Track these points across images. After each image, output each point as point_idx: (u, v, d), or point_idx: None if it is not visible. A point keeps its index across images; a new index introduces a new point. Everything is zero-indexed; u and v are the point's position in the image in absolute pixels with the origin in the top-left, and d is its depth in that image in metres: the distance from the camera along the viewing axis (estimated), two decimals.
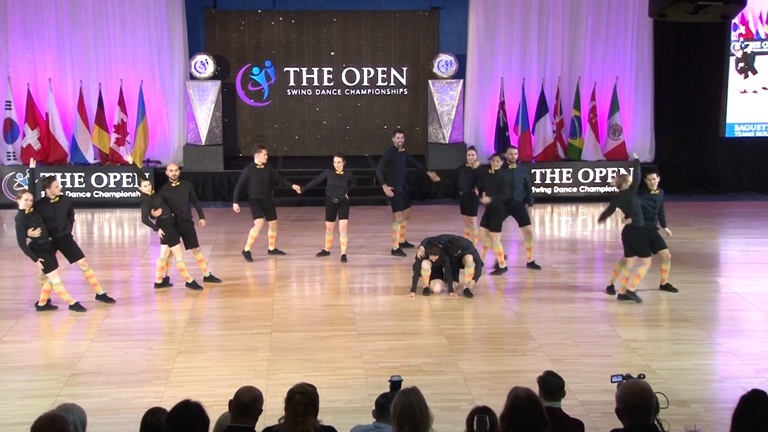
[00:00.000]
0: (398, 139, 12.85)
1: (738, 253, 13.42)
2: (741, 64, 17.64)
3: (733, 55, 17.57)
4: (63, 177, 16.15)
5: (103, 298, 10.47)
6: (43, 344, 9.38)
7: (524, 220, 12.00)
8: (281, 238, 13.69)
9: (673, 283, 10.97)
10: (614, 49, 17.74)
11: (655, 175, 10.71)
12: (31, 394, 7.79)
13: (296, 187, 12.65)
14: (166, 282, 11.19)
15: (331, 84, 18.62)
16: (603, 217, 10.70)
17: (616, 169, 17.11)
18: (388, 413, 4.93)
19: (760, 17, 17.49)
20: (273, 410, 5.13)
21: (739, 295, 10.92)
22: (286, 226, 14.65)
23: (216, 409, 4.89)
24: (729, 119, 17.81)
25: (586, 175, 17.41)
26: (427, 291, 10.77)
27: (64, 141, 16.91)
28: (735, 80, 17.66)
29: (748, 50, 17.61)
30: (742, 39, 17.54)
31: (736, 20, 17.21)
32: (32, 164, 10.77)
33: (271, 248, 12.74)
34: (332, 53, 18.53)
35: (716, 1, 8.42)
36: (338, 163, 12.34)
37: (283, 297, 10.86)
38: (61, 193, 10.32)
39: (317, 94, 18.66)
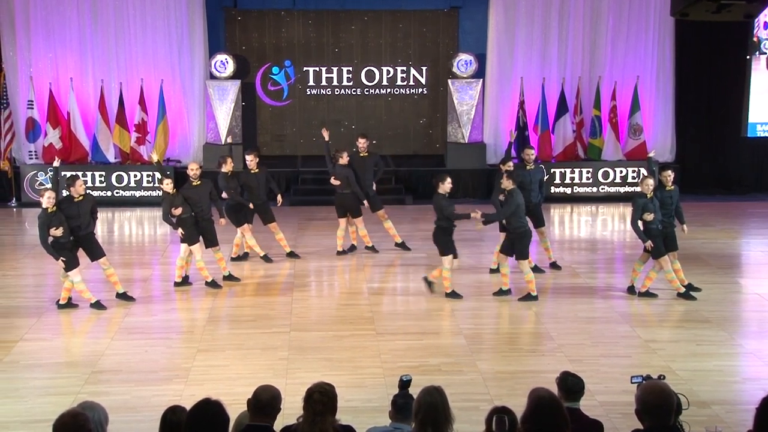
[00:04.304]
0: (362, 144, 12.88)
1: (760, 254, 13.31)
2: None
3: (764, 53, 17.38)
4: (84, 176, 16.22)
5: (124, 297, 10.52)
6: (64, 342, 9.45)
7: (539, 222, 11.93)
8: (297, 238, 13.74)
9: (694, 283, 10.89)
10: (635, 49, 17.65)
11: (670, 171, 10.65)
12: (52, 391, 7.85)
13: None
14: (185, 281, 11.24)
15: (351, 84, 18.62)
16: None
17: (636, 168, 17.02)
18: (405, 414, 4.93)
19: None
20: (291, 409, 5.14)
21: (761, 296, 10.83)
22: (303, 226, 14.70)
23: (235, 407, 4.89)
24: (751, 119, 17.62)
25: (606, 175, 17.33)
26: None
27: (85, 140, 17.04)
28: (765, 79, 17.44)
29: None
30: None
31: (767, 18, 17.06)
32: (56, 163, 10.84)
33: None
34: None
35: (739, 0, 8.35)
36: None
37: (301, 296, 10.87)
38: (85, 192, 10.37)
39: (336, 93, 18.67)
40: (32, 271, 12.13)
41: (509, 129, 16.38)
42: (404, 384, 5.26)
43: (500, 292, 10.70)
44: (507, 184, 10.35)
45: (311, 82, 18.60)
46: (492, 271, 11.56)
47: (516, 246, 10.48)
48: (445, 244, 10.52)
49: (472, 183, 17.35)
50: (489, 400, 7.45)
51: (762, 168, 18.31)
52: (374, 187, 12.89)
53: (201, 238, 11.10)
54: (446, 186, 10.42)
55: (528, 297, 10.53)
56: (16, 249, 13.48)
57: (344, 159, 12.42)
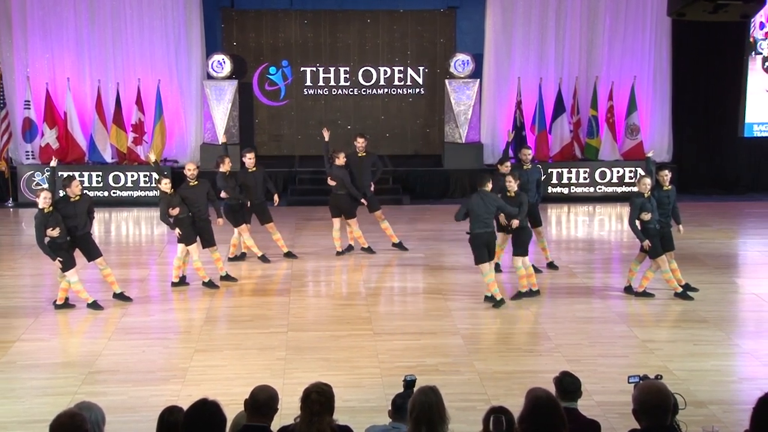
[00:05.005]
0: (360, 144, 12.84)
1: (757, 254, 13.32)
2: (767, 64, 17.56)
3: (759, 53, 17.45)
4: (81, 176, 16.17)
5: (121, 297, 10.52)
6: (62, 342, 9.45)
7: (536, 222, 11.91)
8: (294, 238, 13.74)
9: (691, 283, 10.90)
10: (632, 49, 17.66)
11: (666, 171, 10.67)
12: (50, 392, 7.84)
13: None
14: (182, 281, 11.23)
15: (348, 84, 18.62)
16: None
17: (633, 168, 17.04)
18: (404, 413, 4.93)
19: None
20: (289, 409, 5.14)
21: (759, 296, 10.84)
22: (300, 226, 14.70)
23: (232, 408, 4.89)
24: (748, 119, 17.67)
25: (603, 175, 17.33)
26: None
27: (82, 140, 17.02)
28: (761, 79, 17.52)
29: None
30: None
31: (762, 19, 17.12)
32: (53, 163, 10.82)
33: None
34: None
35: (736, 0, 8.36)
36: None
37: (299, 296, 10.87)
38: (82, 192, 10.36)
39: (334, 93, 18.67)
40: (29, 271, 12.11)
41: (506, 129, 16.43)
42: (408, 384, 5.27)
43: (529, 293, 10.56)
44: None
45: (308, 82, 18.60)
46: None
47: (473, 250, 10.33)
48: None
49: (469, 183, 17.33)
50: (486, 400, 7.45)
51: (759, 168, 18.33)
52: (372, 188, 12.87)
53: (198, 238, 11.09)
54: (489, 186, 10.34)
55: (492, 299, 10.35)
56: (13, 249, 13.46)
57: (341, 159, 12.41)
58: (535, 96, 17.31)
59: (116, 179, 16.77)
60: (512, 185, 10.40)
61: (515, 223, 10.32)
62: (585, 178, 17.34)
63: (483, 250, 10.18)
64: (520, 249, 10.53)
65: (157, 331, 9.61)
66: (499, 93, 17.75)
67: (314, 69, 18.54)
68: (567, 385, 5.30)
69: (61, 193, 10.55)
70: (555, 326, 9.65)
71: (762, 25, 17.38)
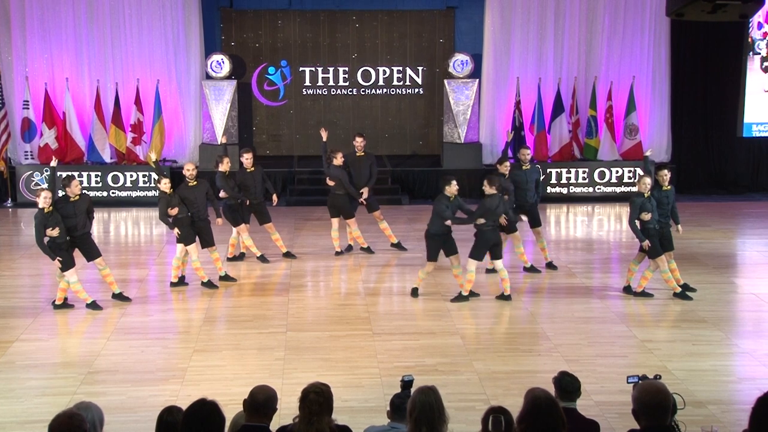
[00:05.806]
0: (359, 143, 12.83)
1: (756, 254, 13.32)
2: (767, 63, 17.56)
3: (758, 53, 17.49)
4: (80, 176, 16.21)
5: (120, 297, 10.52)
6: (61, 342, 9.44)
7: (535, 222, 11.92)
8: (293, 238, 13.74)
9: (690, 283, 10.90)
10: (631, 49, 17.67)
11: (666, 171, 10.67)
12: (49, 392, 7.84)
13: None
14: (181, 281, 11.23)
15: (347, 84, 18.62)
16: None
17: (632, 168, 17.05)
18: (403, 413, 4.93)
19: None
20: (288, 409, 5.14)
21: (757, 296, 10.85)
22: (299, 226, 14.70)
23: (231, 407, 4.90)
24: (747, 119, 17.70)
25: (602, 175, 17.34)
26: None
27: (81, 140, 17.02)
28: (759, 79, 17.55)
29: None
30: (767, 38, 17.48)
31: (760, 19, 17.15)
32: (53, 163, 10.80)
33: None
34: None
35: (734, 0, 8.36)
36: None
37: (298, 296, 10.87)
38: (81, 192, 10.35)
39: (333, 93, 18.67)
40: (28, 271, 12.11)
41: (505, 129, 16.44)
42: (406, 384, 5.26)
43: (462, 297, 10.59)
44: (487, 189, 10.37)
45: (307, 82, 18.61)
46: (488, 271, 11.55)
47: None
48: (433, 248, 10.61)
49: (468, 183, 17.31)
50: (485, 400, 7.46)
51: (758, 168, 18.35)
52: (366, 194, 12.75)
53: (197, 238, 11.09)
54: (452, 188, 10.37)
55: (460, 297, 10.57)
56: (12, 249, 13.46)
57: (339, 159, 12.40)
58: (534, 96, 17.32)
59: (115, 179, 16.77)
60: (485, 189, 10.34)
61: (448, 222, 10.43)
62: (584, 178, 17.35)
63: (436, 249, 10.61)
64: (475, 252, 10.47)
65: (156, 332, 9.61)
66: (498, 93, 17.75)
67: (313, 69, 18.55)
68: (566, 385, 5.30)
69: (61, 193, 10.54)
70: (554, 326, 9.66)
71: (760, 26, 17.41)
